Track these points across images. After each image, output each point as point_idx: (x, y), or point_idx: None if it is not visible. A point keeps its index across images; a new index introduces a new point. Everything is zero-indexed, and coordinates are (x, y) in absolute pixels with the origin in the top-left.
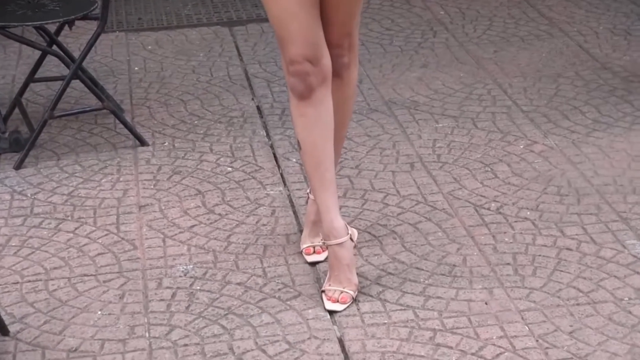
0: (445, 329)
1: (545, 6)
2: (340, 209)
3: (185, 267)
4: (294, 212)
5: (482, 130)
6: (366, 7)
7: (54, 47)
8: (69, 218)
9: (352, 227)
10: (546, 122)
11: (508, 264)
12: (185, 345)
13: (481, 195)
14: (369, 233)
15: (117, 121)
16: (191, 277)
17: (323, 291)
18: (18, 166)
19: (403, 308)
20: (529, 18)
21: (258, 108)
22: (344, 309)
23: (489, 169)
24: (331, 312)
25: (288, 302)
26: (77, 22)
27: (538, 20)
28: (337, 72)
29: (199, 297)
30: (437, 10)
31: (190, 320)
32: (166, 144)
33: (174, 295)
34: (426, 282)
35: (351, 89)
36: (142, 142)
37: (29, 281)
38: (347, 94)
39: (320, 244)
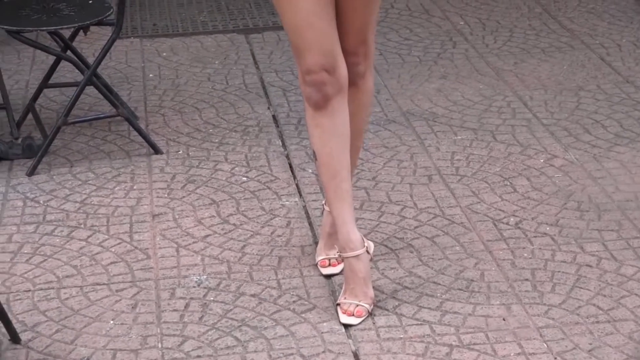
0: (462, 345)
1: (566, 18)
2: (356, 221)
3: (198, 277)
4: (310, 224)
5: (501, 143)
6: (384, 16)
7: (68, 53)
8: (82, 226)
9: (368, 239)
10: (567, 136)
11: (526, 279)
12: (198, 356)
13: (500, 210)
14: (386, 246)
15: (131, 128)
16: (205, 288)
17: (338, 304)
18: (31, 173)
19: (419, 323)
20: (550, 30)
21: (274, 117)
22: (359, 323)
23: (508, 183)
24: (346, 326)
25: (302, 315)
26: (91, 28)
27: (559, 32)
28: (353, 81)
29: (212, 308)
30: (456, 21)
31: (203, 331)
32: (180, 152)
33: (187, 305)
34: (443, 296)
35: (366, 98)
36: (156, 150)
37: (41, 289)
38: (362, 102)
39: (336, 256)
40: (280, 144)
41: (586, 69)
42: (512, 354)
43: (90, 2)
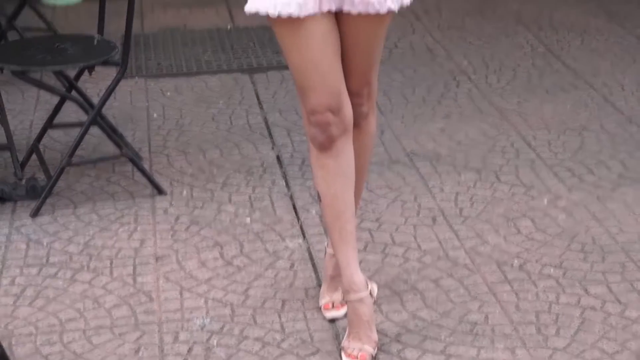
0: None
1: (569, 57)
2: (360, 263)
3: (202, 320)
4: (313, 266)
5: (505, 184)
6: (388, 56)
7: (73, 93)
8: (85, 268)
9: (372, 281)
10: (571, 177)
11: (531, 322)
12: None
13: (504, 251)
14: (390, 288)
15: (135, 169)
16: (208, 331)
17: (342, 348)
18: (34, 214)
19: None
20: (553, 69)
21: (278, 157)
22: None
23: (512, 224)
24: None
25: (307, 359)
26: (96, 67)
27: (562, 71)
28: (356, 122)
29: (215, 352)
30: (460, 60)
31: None
32: (184, 193)
33: (190, 349)
34: (447, 340)
35: (369, 139)
36: (160, 191)
37: (44, 333)
38: (365, 143)
39: (340, 299)
40: (284, 185)
41: (589, 108)
42: None
43: (95, 42)
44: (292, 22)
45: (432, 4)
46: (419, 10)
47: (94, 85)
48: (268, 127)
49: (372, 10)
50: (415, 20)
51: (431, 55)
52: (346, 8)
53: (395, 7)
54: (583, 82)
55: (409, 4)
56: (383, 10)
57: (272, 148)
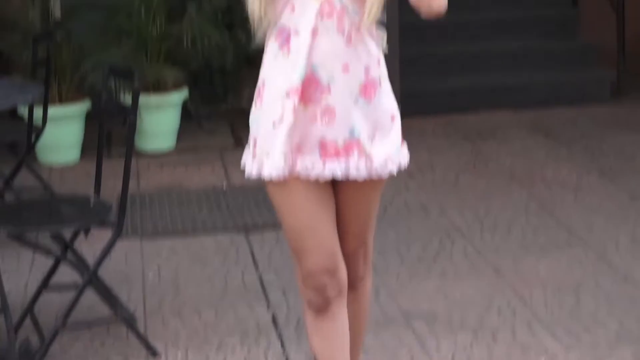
0: None
1: (563, 214)
2: None
3: None
4: None
5: (502, 344)
6: (382, 214)
7: (69, 254)
8: None
9: None
10: (567, 336)
11: None
12: None
13: None
14: None
15: (130, 331)
16: None
17: None
18: None
19: None
20: (547, 226)
21: (273, 318)
22: None
23: None
24: None
25: None
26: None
27: (556, 228)
28: (352, 284)
29: None
30: (454, 217)
31: None
32: (179, 355)
33: None
34: None
35: (366, 301)
36: (155, 354)
37: None
38: (361, 305)
39: None
40: (280, 346)
41: (584, 265)
42: None
43: (92, 204)
44: (287, 184)
45: (425, 161)
46: (413, 168)
47: (89, 245)
48: (263, 287)
49: (374, 175)
50: (408, 178)
51: (425, 213)
52: (352, 175)
53: (395, 169)
54: (577, 239)
55: (406, 165)
56: (385, 174)
57: (268, 308)
